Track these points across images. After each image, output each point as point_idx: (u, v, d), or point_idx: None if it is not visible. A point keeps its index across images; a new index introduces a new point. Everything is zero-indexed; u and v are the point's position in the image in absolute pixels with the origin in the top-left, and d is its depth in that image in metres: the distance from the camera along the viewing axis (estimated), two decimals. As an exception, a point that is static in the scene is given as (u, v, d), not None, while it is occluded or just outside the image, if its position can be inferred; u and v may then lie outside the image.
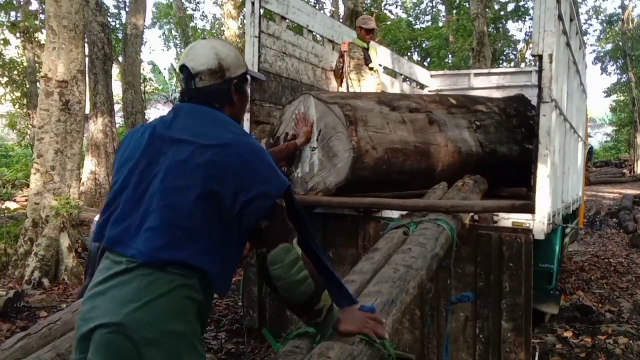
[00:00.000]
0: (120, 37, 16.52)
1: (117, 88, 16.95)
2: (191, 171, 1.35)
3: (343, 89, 5.15)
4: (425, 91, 7.48)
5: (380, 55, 6.20)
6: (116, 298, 1.28)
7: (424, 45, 22.71)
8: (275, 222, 1.36)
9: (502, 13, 21.09)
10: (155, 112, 29.46)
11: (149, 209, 1.34)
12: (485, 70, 8.17)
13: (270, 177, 1.38)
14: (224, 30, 17.87)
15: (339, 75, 5.08)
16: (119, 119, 16.51)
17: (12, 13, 11.65)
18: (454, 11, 21.09)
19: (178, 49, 27.51)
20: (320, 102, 3.37)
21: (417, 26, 24.57)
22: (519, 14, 21.09)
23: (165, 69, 30.85)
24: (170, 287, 1.30)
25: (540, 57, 2.85)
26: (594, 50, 28.15)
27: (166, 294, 1.29)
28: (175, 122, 1.45)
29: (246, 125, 3.98)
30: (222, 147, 1.37)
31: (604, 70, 28.48)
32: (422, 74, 7.51)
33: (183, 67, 1.50)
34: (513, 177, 4.08)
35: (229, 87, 1.52)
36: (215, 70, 1.49)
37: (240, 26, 15.64)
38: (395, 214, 3.11)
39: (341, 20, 11.90)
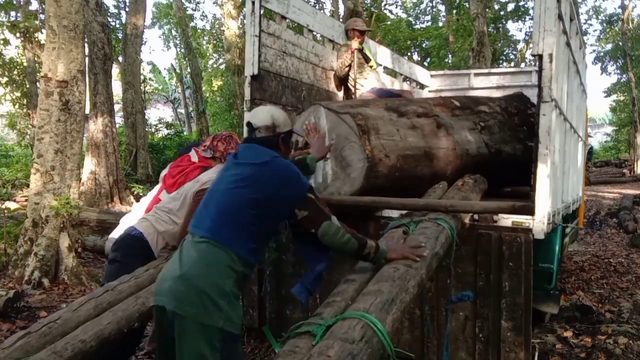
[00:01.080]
0: (120, 37, 16.52)
1: (117, 88, 16.97)
2: (242, 180, 2.05)
3: (343, 90, 5.17)
4: (425, 91, 7.48)
5: (380, 55, 6.21)
6: (186, 259, 1.96)
7: (424, 45, 22.70)
8: (312, 209, 2.03)
9: (502, 13, 21.09)
10: (155, 112, 29.48)
11: (215, 203, 2.06)
12: (485, 70, 8.16)
13: (299, 180, 2.09)
14: (224, 30, 17.86)
15: (346, 81, 5.09)
16: (119, 119, 16.53)
17: (12, 13, 11.65)
18: (454, 11, 21.09)
19: (178, 49, 27.49)
20: (331, 112, 3.37)
21: (417, 26, 24.56)
22: (519, 14, 21.09)
23: (165, 69, 30.97)
24: (217, 257, 1.94)
25: (540, 56, 2.85)
26: (594, 50, 28.18)
27: (214, 261, 1.94)
28: (239, 153, 2.20)
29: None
30: (264, 164, 2.07)
31: (604, 70, 28.49)
32: (422, 74, 7.51)
33: (248, 123, 2.26)
34: (518, 176, 4.09)
35: (278, 139, 2.23)
36: (269, 126, 2.22)
37: (240, 26, 15.64)
38: (395, 213, 3.11)
39: (341, 20, 11.89)
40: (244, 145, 2.25)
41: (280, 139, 2.23)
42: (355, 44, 4.95)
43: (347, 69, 5.02)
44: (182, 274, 1.89)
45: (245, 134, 2.37)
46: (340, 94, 5.25)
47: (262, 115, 2.23)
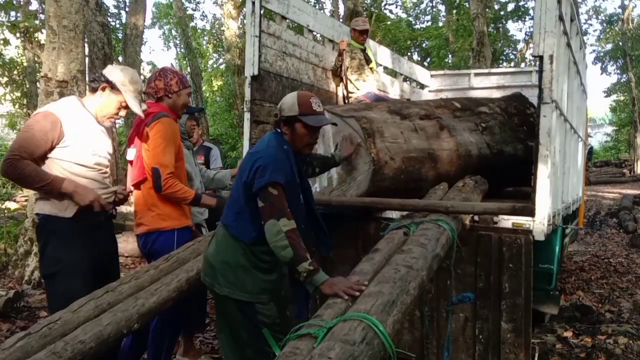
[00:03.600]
0: (120, 37, 16.52)
1: (117, 88, 16.90)
2: (241, 167, 2.26)
3: (341, 88, 5.16)
4: (425, 91, 7.48)
5: (380, 55, 6.21)
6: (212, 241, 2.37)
7: (424, 45, 22.73)
8: (267, 203, 2.07)
9: (502, 13, 21.10)
10: (155, 111, 29.46)
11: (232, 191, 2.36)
12: (485, 70, 8.15)
13: (264, 172, 2.10)
14: (224, 30, 17.87)
15: (338, 75, 5.08)
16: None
17: (12, 13, 11.64)
18: (454, 11, 21.10)
19: (178, 49, 27.50)
20: (336, 117, 3.37)
21: (417, 26, 24.60)
22: (519, 14, 21.10)
23: (165, 68, 30.91)
24: (224, 238, 2.28)
25: (540, 57, 2.85)
26: (594, 50, 28.19)
27: (222, 241, 2.29)
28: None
29: (246, 125, 3.99)
30: (252, 153, 2.25)
31: (604, 70, 28.52)
32: (422, 74, 7.51)
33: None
34: (519, 176, 4.11)
35: (279, 122, 2.31)
36: (277, 111, 2.32)
37: (240, 26, 15.65)
38: (395, 214, 3.11)
39: (341, 20, 11.90)
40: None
41: (282, 122, 2.28)
42: (343, 44, 4.94)
43: (338, 70, 5.01)
44: (205, 253, 2.36)
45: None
46: (340, 94, 5.24)
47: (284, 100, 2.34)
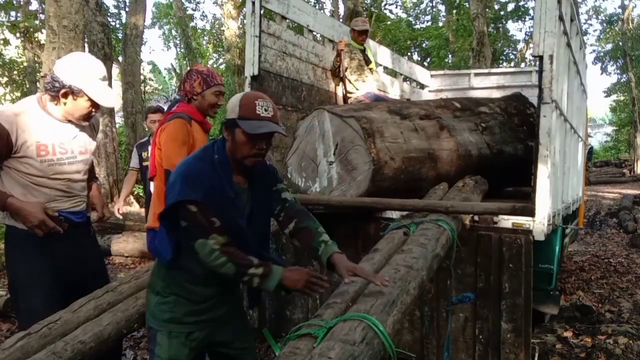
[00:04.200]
0: (120, 37, 16.52)
1: (117, 88, 16.96)
2: None
3: (341, 88, 5.16)
4: (425, 91, 7.48)
5: (380, 55, 6.20)
6: None
7: (424, 45, 22.72)
8: (189, 221, 1.75)
9: (502, 13, 21.10)
10: (155, 112, 29.46)
11: None
12: (485, 70, 8.16)
13: (174, 188, 1.78)
14: (224, 30, 17.87)
15: (337, 75, 5.08)
16: (119, 119, 16.51)
17: (12, 13, 11.65)
18: (454, 11, 21.09)
19: (178, 49, 27.52)
20: (336, 117, 3.37)
21: (417, 26, 24.59)
22: (519, 14, 21.11)
23: (165, 69, 30.95)
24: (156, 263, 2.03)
25: (540, 57, 2.85)
26: (594, 50, 28.20)
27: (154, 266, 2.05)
28: None
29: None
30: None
31: (604, 70, 28.52)
32: (422, 74, 7.51)
33: None
34: (519, 176, 4.11)
35: (223, 125, 1.90)
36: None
37: (240, 26, 15.64)
38: (395, 214, 3.11)
39: (341, 20, 11.90)
40: None
41: (224, 126, 1.89)
42: (341, 44, 4.94)
43: (337, 70, 5.02)
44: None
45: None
46: (340, 94, 5.25)
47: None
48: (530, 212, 2.81)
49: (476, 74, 7.55)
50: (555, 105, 2.99)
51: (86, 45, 8.19)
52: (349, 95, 5.07)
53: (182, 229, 1.79)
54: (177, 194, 1.74)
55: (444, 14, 23.97)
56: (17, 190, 2.26)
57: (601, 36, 28.06)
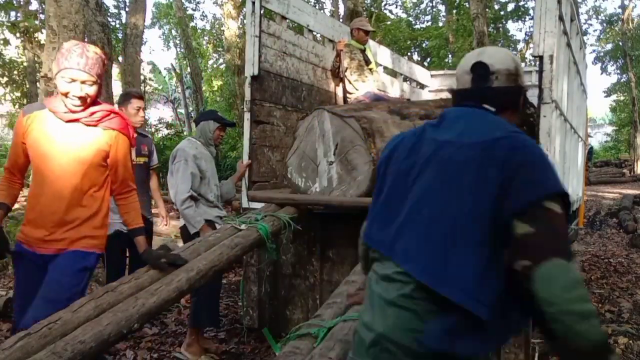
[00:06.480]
0: (120, 37, 16.52)
1: (117, 88, 16.96)
2: (456, 172, 1.25)
3: (340, 88, 5.16)
4: (425, 91, 7.48)
5: (380, 55, 6.21)
6: (400, 319, 1.20)
7: (424, 45, 22.72)
8: (543, 228, 1.13)
9: (502, 13, 21.10)
10: (155, 112, 29.47)
11: (410, 217, 1.28)
12: (486, 71, 8.15)
13: (541, 176, 1.21)
14: (224, 30, 17.87)
15: (337, 75, 5.08)
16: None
17: (12, 13, 11.65)
18: (454, 11, 21.10)
19: (178, 49, 27.50)
20: (336, 117, 3.38)
21: (417, 26, 24.58)
22: (519, 14, 21.11)
23: (165, 69, 30.96)
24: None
25: (540, 57, 2.85)
26: (594, 50, 28.20)
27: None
28: (442, 125, 1.38)
29: (246, 125, 3.98)
30: (492, 142, 1.27)
31: (604, 70, 28.52)
32: (422, 74, 7.51)
33: (478, 65, 1.40)
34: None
35: (520, 93, 1.45)
36: (512, 73, 1.41)
37: (240, 26, 15.64)
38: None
39: (341, 20, 11.90)
40: (449, 111, 1.43)
41: (523, 95, 1.47)
42: (340, 45, 4.94)
43: (337, 70, 5.02)
44: (402, 344, 1.22)
45: (461, 85, 1.47)
46: (340, 94, 5.25)
47: (501, 56, 1.43)
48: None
49: (476, 74, 7.54)
50: (555, 105, 3.00)
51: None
52: (348, 95, 5.07)
53: (520, 238, 1.13)
54: (554, 182, 1.21)
55: (444, 14, 23.97)
56: None
57: (601, 36, 28.08)
